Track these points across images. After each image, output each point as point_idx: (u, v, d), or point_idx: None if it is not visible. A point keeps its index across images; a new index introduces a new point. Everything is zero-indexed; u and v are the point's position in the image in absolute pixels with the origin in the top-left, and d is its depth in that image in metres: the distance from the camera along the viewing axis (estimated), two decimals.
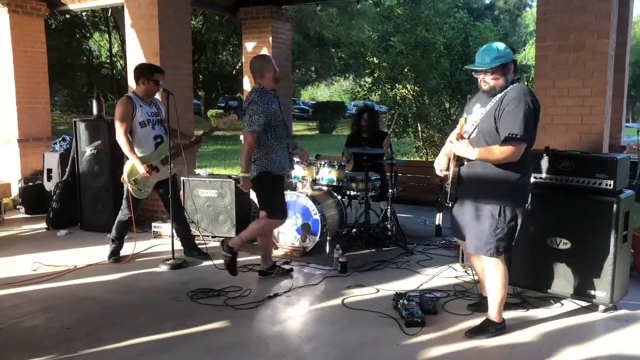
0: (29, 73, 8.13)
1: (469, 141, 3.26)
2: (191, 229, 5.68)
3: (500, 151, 3.26)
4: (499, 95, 3.37)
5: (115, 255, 5.41)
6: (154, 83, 5.17)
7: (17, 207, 7.81)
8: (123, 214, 5.33)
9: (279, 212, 4.64)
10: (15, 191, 7.94)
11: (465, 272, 4.89)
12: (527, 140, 3.29)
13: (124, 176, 5.14)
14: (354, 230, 6.02)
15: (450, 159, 3.56)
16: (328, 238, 5.49)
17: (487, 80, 3.38)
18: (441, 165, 3.69)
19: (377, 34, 16.07)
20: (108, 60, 27.44)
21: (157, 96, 5.49)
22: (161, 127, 5.29)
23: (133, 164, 5.06)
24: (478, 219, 3.44)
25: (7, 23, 7.85)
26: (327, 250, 5.46)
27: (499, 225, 3.41)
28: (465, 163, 3.47)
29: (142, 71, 5.22)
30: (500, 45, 3.40)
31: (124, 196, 5.32)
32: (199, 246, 5.58)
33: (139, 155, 5.09)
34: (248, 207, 6.38)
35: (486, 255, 3.49)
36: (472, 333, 3.62)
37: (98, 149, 6.50)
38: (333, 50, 18.14)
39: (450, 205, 3.73)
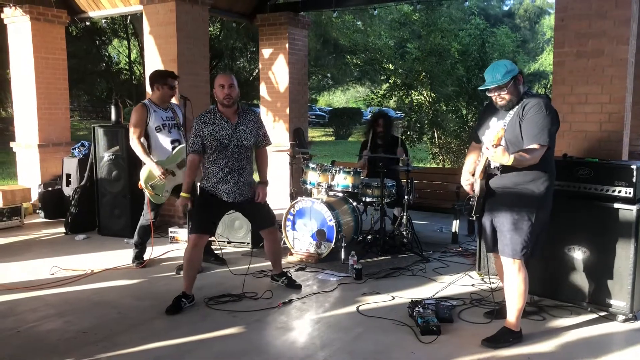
0: (50, 79, 8.26)
1: (503, 148, 3.29)
2: None
3: (529, 156, 3.34)
4: (517, 107, 3.48)
5: (139, 259, 5.46)
6: (169, 88, 5.23)
7: (37, 211, 7.92)
8: (145, 218, 5.37)
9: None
10: (35, 196, 8.05)
11: (482, 279, 4.85)
12: (548, 145, 3.39)
13: (141, 182, 5.17)
14: (370, 237, 6.00)
15: (477, 173, 3.58)
16: (343, 245, 5.48)
17: (502, 96, 3.48)
18: (469, 180, 3.74)
19: (394, 40, 16.06)
20: (127, 67, 27.77)
21: (174, 101, 5.54)
22: (178, 131, 5.32)
23: (150, 169, 5.10)
24: (516, 224, 3.48)
25: (29, 31, 7.99)
26: (342, 256, 5.45)
27: (534, 229, 3.49)
28: (498, 174, 3.52)
29: (156, 77, 5.28)
30: (507, 62, 3.54)
31: (145, 202, 5.36)
32: (215, 252, 5.60)
33: (155, 159, 5.14)
34: None
35: (520, 258, 3.51)
36: (489, 342, 3.59)
37: (116, 154, 6.57)
38: (348, 57, 18.14)
39: (474, 218, 3.73)
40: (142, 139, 5.17)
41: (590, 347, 3.60)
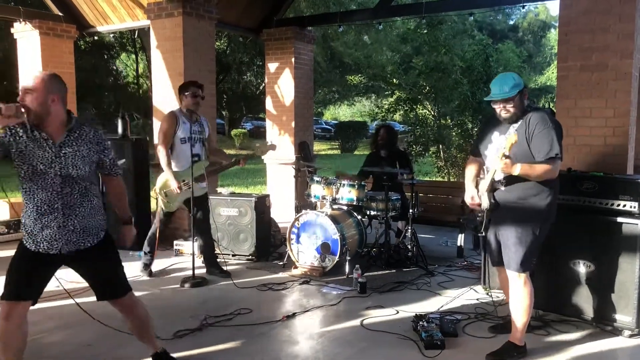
0: None
1: (511, 159, 3.28)
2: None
3: (542, 169, 3.33)
4: (521, 121, 3.46)
5: (147, 268, 5.53)
6: (192, 96, 5.25)
7: None
8: (155, 227, 5.46)
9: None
10: None
11: (487, 294, 4.82)
12: (561, 159, 3.39)
13: (156, 188, 5.30)
14: (374, 250, 5.99)
15: (482, 187, 3.57)
16: (347, 258, 5.47)
17: (508, 109, 3.47)
18: (475, 198, 3.69)
19: (398, 55, 16.15)
20: (134, 81, 28.03)
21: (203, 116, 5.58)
22: (202, 146, 5.36)
23: (167, 178, 5.17)
24: (521, 238, 3.47)
25: (39, 45, 8.10)
26: (347, 270, 5.44)
27: (538, 242, 3.49)
28: (502, 188, 3.50)
29: (180, 89, 5.38)
30: (514, 74, 3.53)
31: (157, 210, 5.44)
32: (220, 265, 5.61)
33: (174, 170, 5.22)
34: (268, 225, 6.40)
35: (525, 271, 3.49)
36: (493, 356, 3.56)
37: (122, 167, 6.60)
38: (351, 78, 18.19)
39: (483, 234, 3.71)
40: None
41: None
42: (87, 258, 3.11)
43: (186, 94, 5.27)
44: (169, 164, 5.19)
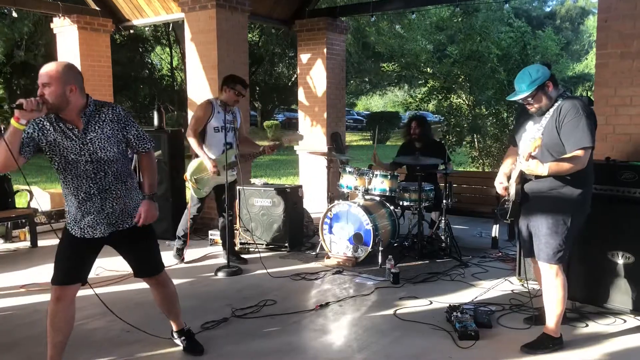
0: (95, 87, 8.54)
1: (537, 160, 3.25)
2: (240, 236, 5.84)
3: (570, 163, 3.26)
4: (552, 109, 3.41)
5: (180, 253, 5.73)
6: (235, 93, 5.36)
7: None
8: (188, 213, 5.67)
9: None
10: None
11: (522, 285, 4.77)
12: (592, 148, 3.31)
13: (187, 174, 5.43)
14: (407, 241, 5.98)
15: (512, 177, 3.54)
16: (380, 248, 5.47)
17: (531, 104, 3.44)
18: (504, 183, 3.68)
19: (432, 44, 15.93)
20: (169, 73, 28.42)
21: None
22: (234, 136, 5.46)
23: (200, 162, 5.32)
24: (551, 229, 3.42)
25: (77, 39, 8.31)
26: (380, 260, 5.44)
27: (570, 233, 3.42)
28: (533, 179, 3.46)
29: (227, 80, 5.44)
30: (533, 69, 3.43)
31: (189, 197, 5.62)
32: (252, 253, 5.70)
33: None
34: (301, 216, 6.45)
35: (556, 263, 3.45)
36: (529, 348, 3.53)
37: (158, 158, 6.73)
38: (385, 66, 18.06)
39: (508, 221, 3.68)
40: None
41: (635, 356, 3.50)
42: (127, 238, 3.28)
43: (231, 88, 5.34)
44: (202, 149, 5.29)
